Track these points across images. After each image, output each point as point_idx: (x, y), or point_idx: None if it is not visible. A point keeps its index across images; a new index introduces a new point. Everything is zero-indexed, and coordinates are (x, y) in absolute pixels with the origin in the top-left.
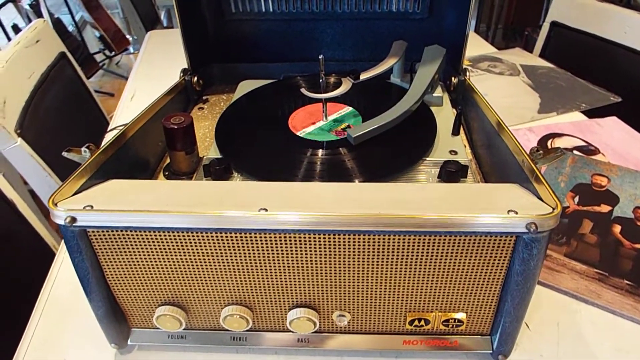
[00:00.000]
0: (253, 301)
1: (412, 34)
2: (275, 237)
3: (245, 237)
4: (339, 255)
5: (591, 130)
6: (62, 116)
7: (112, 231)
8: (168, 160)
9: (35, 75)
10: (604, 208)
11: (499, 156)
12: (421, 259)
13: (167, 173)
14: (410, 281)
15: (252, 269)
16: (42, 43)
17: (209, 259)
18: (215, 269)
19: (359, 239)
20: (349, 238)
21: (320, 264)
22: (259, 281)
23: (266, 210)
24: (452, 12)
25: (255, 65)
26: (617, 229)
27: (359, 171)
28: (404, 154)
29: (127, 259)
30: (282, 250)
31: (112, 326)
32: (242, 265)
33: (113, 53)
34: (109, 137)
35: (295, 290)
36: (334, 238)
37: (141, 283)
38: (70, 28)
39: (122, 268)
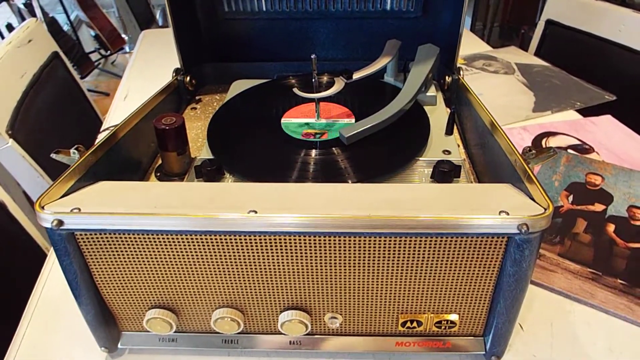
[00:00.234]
0: (244, 304)
1: (405, 32)
2: (265, 240)
3: (236, 239)
4: (330, 257)
5: (586, 129)
6: (55, 117)
7: (101, 234)
8: (160, 161)
9: (27, 75)
10: (598, 207)
11: (492, 156)
12: (412, 260)
13: (158, 174)
14: (401, 283)
15: (242, 272)
16: (35, 43)
17: (199, 262)
18: (206, 271)
19: (350, 240)
20: (340, 240)
21: (311, 266)
22: (249, 283)
23: (256, 212)
24: (446, 10)
25: (248, 64)
26: (611, 228)
27: (351, 171)
28: (397, 153)
29: (116, 262)
30: (272, 253)
31: (101, 329)
32: (233, 268)
33: (109, 52)
34: (101, 138)
35: (286, 292)
36: (325, 240)
37: (131, 286)
38: (66, 27)
39: (112, 271)
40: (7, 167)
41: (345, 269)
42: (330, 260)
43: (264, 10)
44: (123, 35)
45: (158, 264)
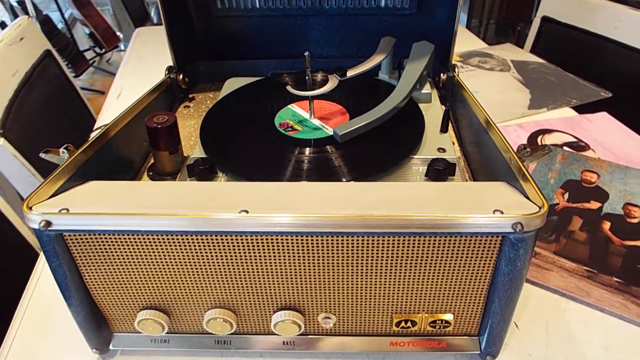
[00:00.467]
0: (237, 304)
1: (400, 29)
2: (257, 240)
3: (227, 239)
4: (323, 257)
5: (581, 126)
6: (47, 115)
7: (90, 235)
8: (152, 160)
9: (19, 73)
10: (594, 205)
11: (487, 154)
12: (406, 260)
13: (151, 173)
14: (395, 282)
15: (235, 272)
16: (27, 41)
17: (190, 262)
18: (197, 272)
19: (343, 240)
20: (332, 240)
21: (304, 266)
22: (242, 284)
23: (247, 212)
24: (441, 7)
25: (242, 62)
26: (606, 225)
27: (345, 170)
28: (392, 151)
29: (107, 263)
30: (264, 253)
31: (92, 331)
32: (225, 268)
33: (103, 50)
34: (92, 137)
35: (279, 292)
36: (317, 240)
37: (122, 287)
38: (60, 25)
39: (102, 272)
40: None
41: (338, 269)
42: (323, 260)
43: (258, 7)
44: (118, 33)
45: (149, 265)
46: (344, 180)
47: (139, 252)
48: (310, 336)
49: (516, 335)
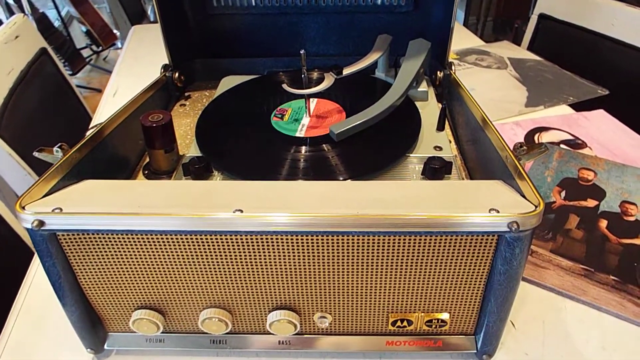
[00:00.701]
0: (232, 304)
1: (397, 27)
2: (252, 239)
3: (222, 239)
4: (318, 256)
5: (578, 124)
6: (43, 114)
7: (83, 234)
8: (148, 159)
9: (14, 71)
10: (591, 203)
11: (484, 152)
12: (402, 259)
13: (146, 172)
14: (391, 282)
15: (229, 272)
16: (22, 39)
17: (185, 262)
18: (192, 271)
19: (338, 239)
20: (327, 239)
21: (299, 265)
22: (237, 284)
23: (241, 211)
24: (437, 5)
25: (238, 60)
26: (603, 223)
27: (342, 168)
28: (388, 150)
29: (101, 262)
30: (259, 252)
31: (87, 331)
32: (220, 268)
33: (100, 48)
34: (87, 135)
35: (275, 292)
36: (312, 239)
37: (116, 287)
38: (57, 23)
39: (96, 272)
40: None
41: (333, 269)
42: (319, 259)
43: (254, 5)
44: (115, 31)
45: (143, 264)
46: (340, 178)
47: (134, 251)
48: (306, 336)
49: (512, 334)
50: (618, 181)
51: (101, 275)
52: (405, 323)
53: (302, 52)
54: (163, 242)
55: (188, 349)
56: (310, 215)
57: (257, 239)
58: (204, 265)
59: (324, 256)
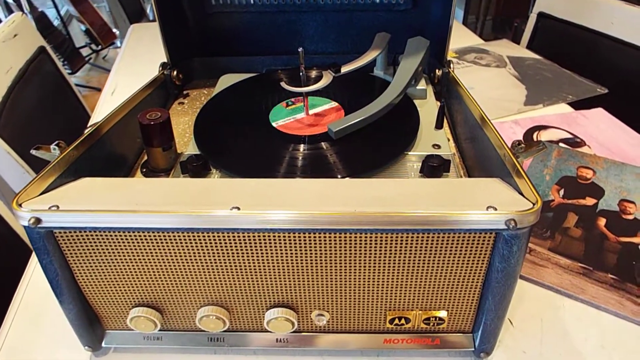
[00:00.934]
0: (229, 301)
1: (395, 25)
2: (249, 237)
3: (219, 236)
4: (316, 254)
5: (577, 122)
6: (41, 112)
7: (80, 232)
8: (146, 157)
9: (13, 70)
10: (589, 201)
11: (482, 150)
12: (399, 257)
13: (144, 170)
14: (388, 279)
15: (227, 269)
16: (21, 37)
17: (182, 259)
18: (189, 269)
19: (335, 237)
20: (325, 236)
21: (297, 263)
22: (234, 281)
23: (239, 209)
24: (436, 3)
25: (236, 58)
26: (602, 222)
27: (340, 166)
28: (386, 148)
29: (98, 260)
30: (257, 250)
31: (84, 328)
32: (217, 265)
33: (99, 47)
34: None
35: (272, 290)
36: (310, 237)
37: (113, 285)
38: (56, 22)
39: (93, 270)
40: None
41: (331, 266)
42: (317, 257)
43: (252, 3)
44: (114, 30)
45: (140, 262)
46: (338, 176)
47: (131, 249)
48: (303, 333)
49: (510, 332)
50: (617, 179)
51: (98, 273)
52: (403, 321)
53: (300, 50)
54: (160, 239)
55: (186, 347)
56: (308, 212)
57: (254, 236)
58: (202, 262)
59: (321, 254)
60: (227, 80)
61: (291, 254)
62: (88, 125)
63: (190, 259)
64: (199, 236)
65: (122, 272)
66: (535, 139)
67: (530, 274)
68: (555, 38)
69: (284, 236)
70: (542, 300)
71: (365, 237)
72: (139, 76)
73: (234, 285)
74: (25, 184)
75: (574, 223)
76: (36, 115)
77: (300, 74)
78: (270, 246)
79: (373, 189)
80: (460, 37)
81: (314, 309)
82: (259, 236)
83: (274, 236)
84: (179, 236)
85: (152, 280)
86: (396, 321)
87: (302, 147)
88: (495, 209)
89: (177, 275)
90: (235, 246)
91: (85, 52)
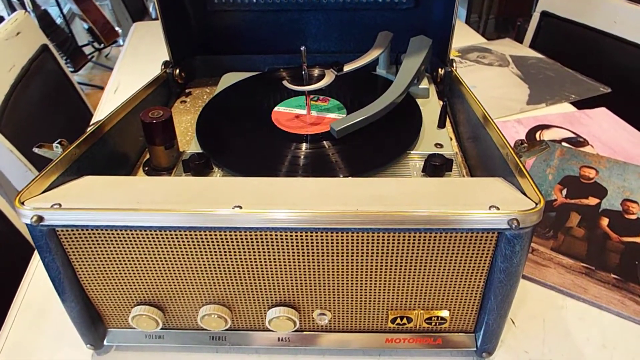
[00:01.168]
0: (231, 300)
1: (397, 24)
2: (251, 236)
3: (221, 235)
4: (317, 253)
5: (580, 122)
6: (44, 110)
7: (83, 230)
8: (148, 155)
9: (15, 68)
10: (592, 201)
11: (485, 149)
12: (401, 256)
13: (146, 168)
14: (390, 279)
15: (229, 268)
16: (23, 35)
17: (184, 258)
18: (191, 267)
19: (337, 236)
20: (327, 235)
21: (299, 262)
22: (236, 280)
23: (241, 207)
24: (438, 2)
25: (239, 57)
26: (604, 222)
27: (342, 165)
28: (389, 147)
29: (100, 258)
30: (258, 249)
31: (87, 327)
32: (219, 264)
33: (102, 45)
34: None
35: (274, 289)
36: (312, 236)
37: (115, 283)
38: (59, 20)
39: (95, 268)
40: None
41: (333, 265)
42: (318, 256)
43: (254, 1)
44: (116, 28)
45: (142, 260)
46: (340, 175)
47: (133, 247)
48: (305, 332)
49: (513, 332)
50: (620, 179)
51: (101, 271)
52: (404, 320)
53: (302, 48)
54: (163, 238)
55: (187, 345)
56: (310, 212)
57: (256, 235)
58: (203, 261)
59: (323, 253)
60: (229, 79)
61: (293, 253)
62: (90, 124)
63: (192, 258)
64: (200, 235)
65: (124, 270)
66: (538, 139)
67: (533, 273)
68: (558, 37)
69: (286, 235)
70: (545, 300)
71: (368, 236)
72: (142, 74)
73: (235, 284)
74: (28, 182)
75: (576, 223)
76: (38, 113)
77: (303, 72)
78: (272, 245)
79: (375, 188)
80: (463, 36)
81: (315, 308)
82: (260, 235)
83: (276, 235)
84: (181, 235)
85: (154, 279)
86: (398, 320)
87: (304, 146)
88: (498, 209)
89: (179, 273)
90: (237, 245)
91: (87, 50)
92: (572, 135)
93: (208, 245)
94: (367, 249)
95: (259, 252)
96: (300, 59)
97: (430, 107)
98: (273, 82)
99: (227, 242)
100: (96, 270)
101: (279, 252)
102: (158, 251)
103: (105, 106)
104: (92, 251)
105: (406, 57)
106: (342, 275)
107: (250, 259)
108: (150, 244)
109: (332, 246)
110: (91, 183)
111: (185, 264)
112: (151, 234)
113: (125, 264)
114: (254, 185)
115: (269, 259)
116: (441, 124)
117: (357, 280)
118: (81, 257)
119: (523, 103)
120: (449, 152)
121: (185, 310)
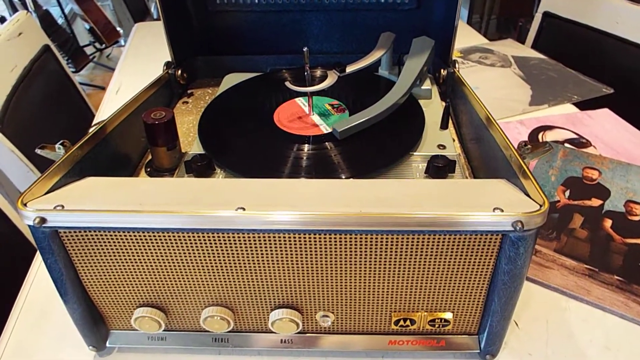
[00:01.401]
0: (234, 302)
1: (400, 25)
2: (254, 237)
3: (224, 237)
4: (321, 255)
5: (583, 123)
6: (46, 111)
7: (85, 232)
8: (150, 157)
9: (17, 68)
10: (595, 202)
11: (488, 150)
12: (405, 258)
13: (148, 169)
14: (394, 281)
15: (232, 270)
16: (25, 36)
17: (187, 260)
18: (194, 269)
19: (341, 238)
20: (330, 237)
21: (302, 264)
22: (239, 282)
23: (244, 209)
24: (441, 2)
25: (241, 57)
26: (607, 223)
27: (345, 166)
28: (391, 148)
29: (102, 260)
30: (262, 251)
31: (89, 328)
32: (222, 266)
33: (103, 46)
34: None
35: (277, 290)
36: (315, 237)
37: (118, 285)
38: (60, 21)
39: (98, 269)
40: None
41: (336, 267)
42: (322, 258)
43: (256, 2)
44: (118, 29)
45: (145, 262)
46: (342, 177)
47: (136, 249)
48: (308, 334)
49: (516, 334)
50: (623, 180)
51: (103, 272)
52: (408, 322)
53: (304, 49)
54: (165, 239)
55: (190, 347)
56: (314, 213)
57: (259, 237)
58: (206, 263)
59: (326, 255)
60: (231, 80)
61: (296, 255)
62: (92, 124)
63: (195, 260)
64: (203, 236)
65: (126, 272)
66: (540, 140)
67: (536, 275)
68: (560, 38)
69: (289, 237)
70: (548, 302)
71: (371, 238)
72: (143, 75)
73: (238, 286)
74: (29, 183)
75: (579, 224)
76: (40, 114)
77: (305, 73)
78: (275, 247)
79: (378, 189)
80: (465, 36)
81: (318, 310)
82: (264, 237)
83: (279, 237)
84: (183, 236)
85: (157, 281)
86: (401, 322)
87: (306, 147)
88: (502, 211)
89: (182, 275)
90: (240, 247)
91: (89, 50)
92: (575, 136)
93: (211, 247)
94: (371, 251)
95: (262, 254)
96: (302, 60)
97: (432, 108)
98: (275, 83)
99: (230, 244)
100: (99, 272)
101: (282, 254)
102: (161, 253)
103: (107, 106)
104: (94, 253)
105: (408, 58)
106: (346, 277)
107: (253, 260)
108: (153, 246)
109: (336, 248)
110: (94, 184)
111: (188, 266)
112: (154, 236)
113: (128, 265)
114: (257, 187)
115: (272, 260)
116: (444, 125)
117: (360, 282)
118: (84, 258)
119: (525, 104)
120: (451, 154)
121: (187, 312)
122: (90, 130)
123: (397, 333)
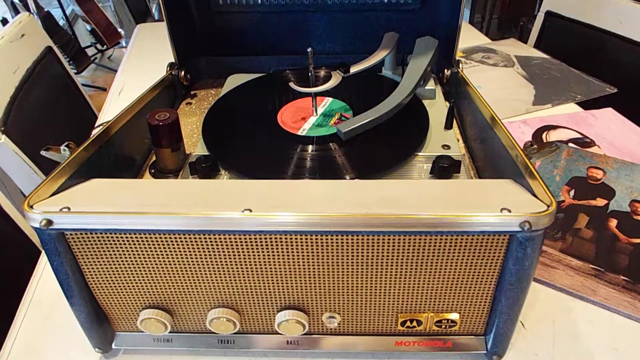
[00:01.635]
0: (240, 304)
1: (404, 25)
2: (260, 239)
3: (230, 238)
4: (327, 256)
5: (586, 122)
6: (49, 112)
7: (91, 234)
8: (154, 158)
9: (20, 70)
10: (600, 202)
11: (493, 151)
12: (411, 259)
13: (153, 171)
14: (400, 282)
15: (238, 271)
16: (28, 37)
17: (192, 261)
18: (200, 271)
19: (347, 239)
20: (337, 238)
21: (308, 265)
22: (245, 283)
23: (250, 210)
24: (444, 2)
25: (244, 58)
26: (613, 223)
27: (349, 167)
28: (396, 149)
29: (108, 262)
30: (268, 252)
31: (95, 330)
32: (228, 267)
33: (105, 47)
34: (93, 134)
35: (283, 292)
36: (321, 239)
37: (124, 286)
38: (62, 22)
39: (104, 271)
40: (0, 164)
41: (343, 269)
42: (328, 259)
43: (259, 2)
44: (119, 30)
45: (151, 264)
46: (347, 178)
47: (141, 251)
48: (314, 335)
49: (522, 335)
50: (627, 180)
51: (109, 274)
52: (414, 323)
53: (309, 50)
54: (171, 241)
55: (196, 349)
56: (320, 215)
57: (265, 238)
58: (212, 265)
59: (333, 256)
60: (234, 81)
61: (302, 256)
62: (96, 126)
63: (201, 261)
64: (209, 238)
65: (132, 273)
66: (544, 139)
67: (542, 275)
68: (562, 37)
69: (295, 238)
70: (554, 302)
71: (377, 239)
72: (146, 76)
73: (244, 288)
74: (33, 184)
75: (584, 224)
76: (43, 115)
77: (309, 74)
78: (282, 248)
79: (384, 190)
80: (467, 36)
81: (325, 311)
82: (270, 238)
83: (285, 238)
84: (189, 238)
85: (163, 282)
86: (408, 323)
87: (310, 148)
88: (510, 211)
89: (188, 277)
90: (246, 248)
91: (90, 51)
92: (579, 136)
93: (217, 248)
94: (377, 252)
95: (269, 255)
96: (305, 60)
97: (436, 108)
98: (279, 84)
99: (236, 245)
100: (105, 274)
101: (288, 256)
102: (167, 255)
103: (110, 108)
104: (100, 255)
105: (412, 58)
106: (352, 278)
107: (259, 262)
108: (159, 248)
109: (342, 249)
110: (99, 186)
111: (194, 268)
112: (160, 238)
113: (134, 267)
114: (262, 188)
115: (279, 262)
116: (448, 125)
117: (367, 284)
118: (90, 260)
119: (529, 104)
120: (456, 154)
121: (193, 313)
122: (94, 131)
123: (403, 334)
